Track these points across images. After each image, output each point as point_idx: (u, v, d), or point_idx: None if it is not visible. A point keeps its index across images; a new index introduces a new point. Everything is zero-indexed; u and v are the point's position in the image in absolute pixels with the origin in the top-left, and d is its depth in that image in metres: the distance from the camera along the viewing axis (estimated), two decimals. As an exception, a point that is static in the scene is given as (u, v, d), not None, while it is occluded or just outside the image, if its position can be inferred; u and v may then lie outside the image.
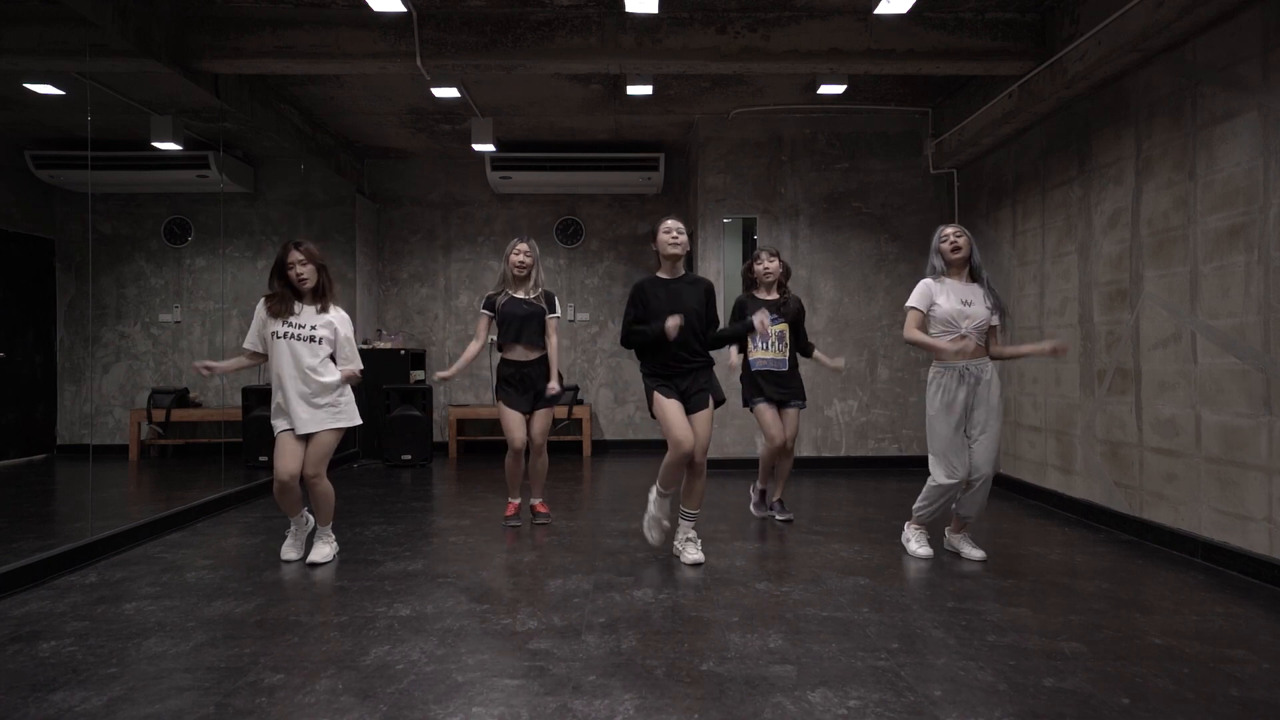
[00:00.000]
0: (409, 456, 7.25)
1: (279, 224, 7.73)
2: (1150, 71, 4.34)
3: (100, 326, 7.31)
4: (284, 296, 3.86)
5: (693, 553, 3.93)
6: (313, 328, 3.85)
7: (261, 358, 3.93)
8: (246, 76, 5.79)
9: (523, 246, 4.64)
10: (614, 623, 3.06)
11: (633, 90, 5.94)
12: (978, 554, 3.99)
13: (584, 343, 8.52)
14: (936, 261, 3.97)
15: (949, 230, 3.95)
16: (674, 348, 3.82)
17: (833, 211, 7.04)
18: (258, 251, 7.70)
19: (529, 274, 4.65)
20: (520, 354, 4.63)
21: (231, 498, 5.36)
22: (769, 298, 4.80)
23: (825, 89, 6.08)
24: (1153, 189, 4.32)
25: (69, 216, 7.12)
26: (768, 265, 4.80)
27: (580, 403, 8.28)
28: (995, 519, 4.99)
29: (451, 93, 6.11)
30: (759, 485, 5.04)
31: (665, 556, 4.04)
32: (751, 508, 5.08)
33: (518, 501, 4.85)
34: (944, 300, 3.87)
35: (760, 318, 3.90)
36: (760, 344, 4.76)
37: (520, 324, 4.59)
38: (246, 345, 3.94)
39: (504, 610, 3.21)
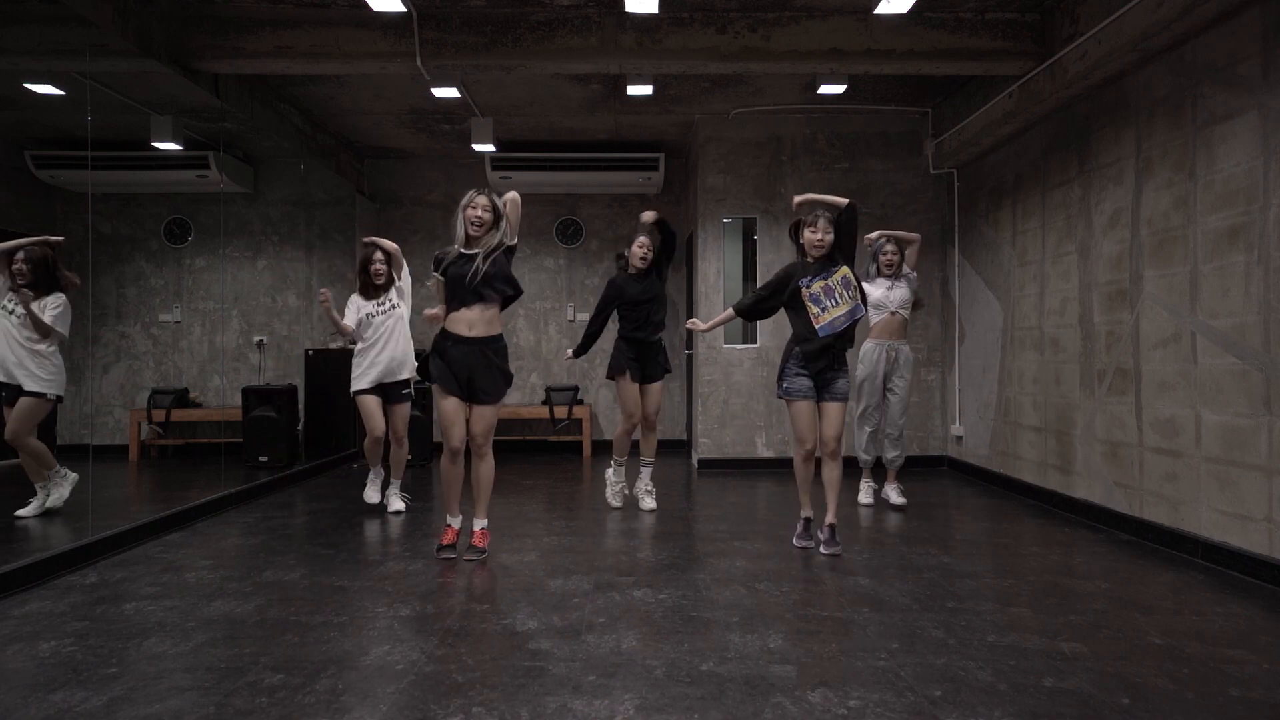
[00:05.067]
0: (409, 457, 7.24)
1: (279, 224, 7.74)
2: (1150, 71, 4.34)
3: (100, 326, 7.31)
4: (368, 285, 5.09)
5: (649, 502, 5.19)
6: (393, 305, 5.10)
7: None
8: (246, 76, 5.79)
9: (481, 200, 3.84)
10: (614, 623, 3.06)
11: (633, 90, 5.94)
12: (900, 500, 5.24)
13: (584, 343, 8.51)
14: (871, 267, 5.35)
15: (889, 247, 5.33)
16: (640, 328, 5.05)
17: (833, 211, 7.03)
18: (258, 251, 7.71)
19: (484, 232, 3.84)
20: (465, 325, 3.83)
21: (231, 498, 5.36)
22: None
23: (825, 89, 6.08)
24: (1153, 189, 4.32)
25: (69, 216, 7.12)
26: (823, 236, 4.07)
27: (580, 403, 8.28)
28: (995, 519, 4.99)
29: (451, 93, 6.11)
30: (804, 513, 4.30)
31: (664, 557, 4.04)
32: (821, 547, 4.14)
33: (456, 525, 4.04)
34: (875, 291, 5.23)
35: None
36: (824, 303, 4.07)
37: (471, 285, 3.80)
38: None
39: (504, 610, 3.21)
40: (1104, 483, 4.76)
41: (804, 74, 5.87)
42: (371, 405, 5.06)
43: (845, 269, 4.05)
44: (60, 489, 4.63)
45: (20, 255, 4.45)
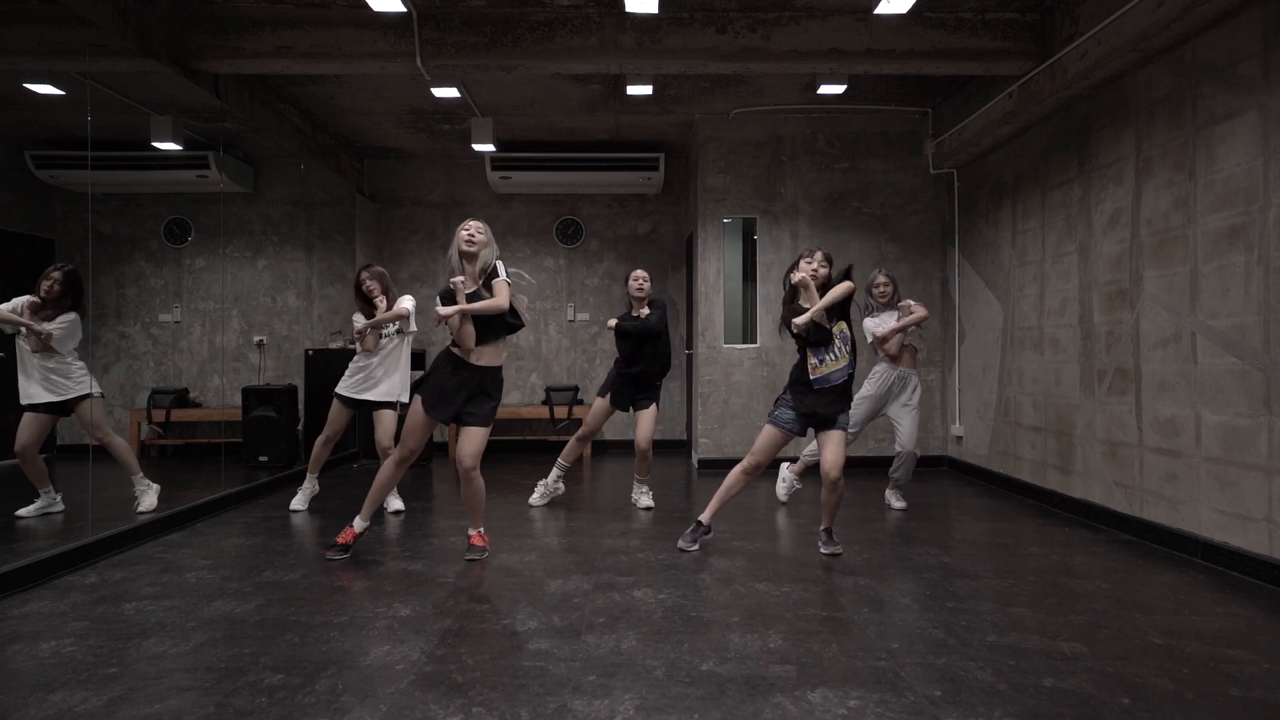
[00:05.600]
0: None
1: (279, 224, 7.73)
2: (1150, 71, 4.34)
3: (100, 326, 7.31)
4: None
5: (645, 500, 5.28)
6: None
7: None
8: (246, 76, 5.79)
9: (474, 223, 3.85)
10: (614, 623, 3.06)
11: (633, 90, 5.94)
12: (900, 504, 5.28)
13: (584, 343, 8.52)
14: (869, 300, 5.28)
15: (880, 279, 5.24)
16: (628, 364, 5.10)
17: (833, 211, 7.04)
18: (258, 251, 7.71)
19: (477, 257, 3.82)
20: (475, 355, 3.83)
21: (231, 498, 5.36)
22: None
23: (825, 89, 6.08)
24: (1153, 189, 4.32)
25: (69, 216, 7.12)
26: (818, 268, 3.97)
27: (580, 403, 8.28)
28: (995, 519, 4.99)
29: (451, 93, 6.11)
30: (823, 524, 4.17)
31: (664, 557, 4.05)
32: (821, 547, 4.13)
33: (360, 530, 4.05)
34: (884, 323, 5.17)
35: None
36: (823, 355, 3.98)
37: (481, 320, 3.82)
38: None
39: (504, 610, 3.21)
40: (1104, 483, 4.76)
41: (804, 74, 5.87)
42: (336, 408, 5.06)
43: (844, 323, 3.97)
44: (147, 495, 4.79)
45: (56, 274, 4.48)
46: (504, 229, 8.40)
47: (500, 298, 3.77)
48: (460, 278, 3.76)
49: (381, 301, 4.98)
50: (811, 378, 3.97)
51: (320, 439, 5.11)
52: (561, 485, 5.52)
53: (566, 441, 8.41)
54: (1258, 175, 3.61)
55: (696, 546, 4.18)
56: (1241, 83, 3.71)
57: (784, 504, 5.42)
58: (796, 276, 3.92)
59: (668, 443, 8.46)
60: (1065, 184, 5.18)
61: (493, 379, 3.88)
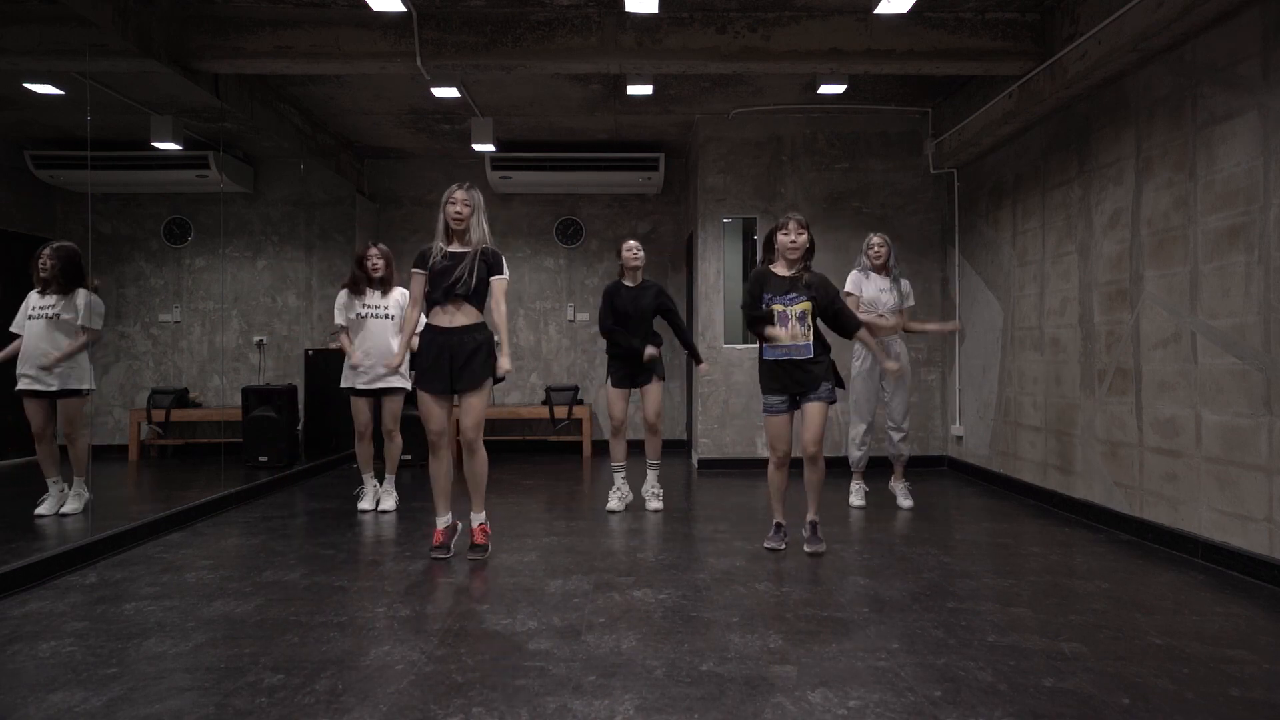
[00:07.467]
0: (409, 457, 7.24)
1: (279, 224, 7.74)
2: (1150, 71, 4.34)
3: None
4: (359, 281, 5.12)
5: (654, 503, 5.23)
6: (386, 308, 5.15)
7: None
8: (246, 76, 5.79)
9: (460, 194, 3.89)
10: (614, 623, 3.06)
11: (633, 90, 5.94)
12: (908, 503, 5.21)
13: (584, 343, 8.52)
14: (864, 260, 5.21)
15: (875, 240, 5.19)
16: (633, 340, 5.06)
17: (833, 211, 7.04)
18: (257, 251, 7.70)
19: (466, 226, 3.91)
20: (446, 318, 3.89)
21: (231, 498, 5.36)
22: (787, 274, 4.10)
23: (825, 89, 6.08)
24: (1153, 189, 4.32)
25: (69, 216, 7.12)
26: (795, 238, 4.08)
27: (580, 403, 8.28)
28: (995, 519, 4.99)
29: (451, 93, 6.11)
30: (776, 518, 4.28)
31: (664, 557, 4.05)
32: (805, 545, 4.18)
33: (445, 523, 4.02)
34: (868, 289, 5.14)
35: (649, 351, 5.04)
36: (780, 324, 4.04)
37: (453, 282, 3.85)
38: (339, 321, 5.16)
39: (504, 610, 3.21)
40: (1104, 483, 4.76)
41: (804, 74, 5.87)
42: (358, 403, 5.18)
43: (808, 304, 4.01)
44: (79, 499, 4.67)
45: (48, 251, 4.51)
46: (504, 229, 8.40)
47: (499, 310, 3.96)
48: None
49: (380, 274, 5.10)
50: (765, 344, 4.11)
51: (357, 442, 5.24)
52: (626, 486, 5.36)
53: (566, 441, 8.49)
54: (1258, 175, 3.61)
55: (783, 544, 4.20)
56: (1241, 83, 3.71)
57: (860, 507, 5.26)
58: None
59: (668, 443, 8.44)
60: (1065, 184, 5.18)
61: (467, 337, 3.87)
